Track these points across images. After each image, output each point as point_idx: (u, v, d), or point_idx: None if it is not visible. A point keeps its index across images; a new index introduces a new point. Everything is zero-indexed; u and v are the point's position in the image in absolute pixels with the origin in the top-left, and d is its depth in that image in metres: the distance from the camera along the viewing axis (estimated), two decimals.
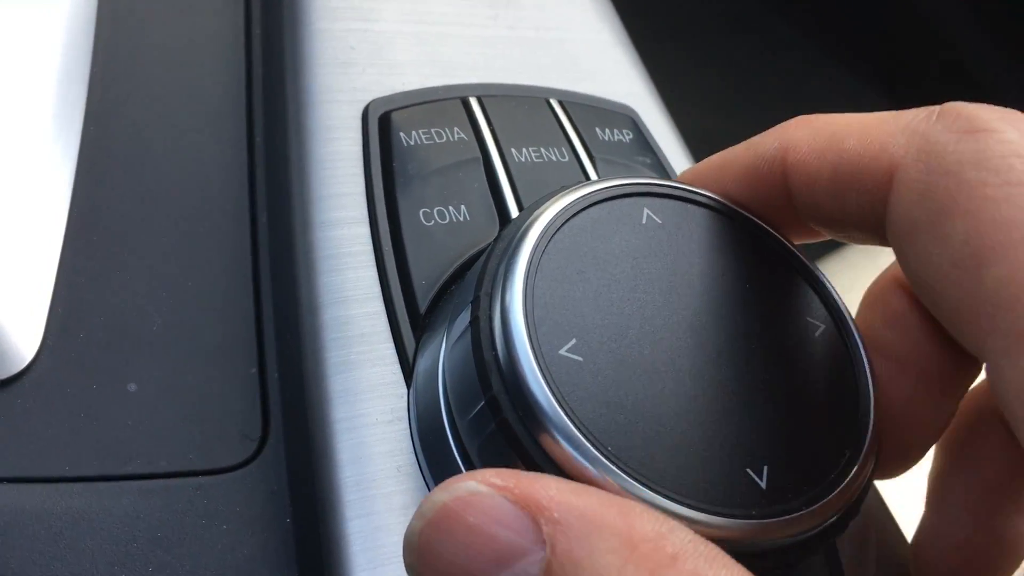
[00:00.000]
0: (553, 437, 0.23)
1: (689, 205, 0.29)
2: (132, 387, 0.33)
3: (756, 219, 0.30)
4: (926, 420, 0.28)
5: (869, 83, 1.12)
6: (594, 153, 0.38)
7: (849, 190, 0.26)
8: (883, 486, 0.34)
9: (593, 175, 0.38)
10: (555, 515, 0.20)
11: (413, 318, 0.32)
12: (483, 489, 0.21)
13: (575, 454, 0.23)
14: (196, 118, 0.41)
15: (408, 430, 0.30)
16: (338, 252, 0.34)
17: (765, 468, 0.24)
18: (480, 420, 0.25)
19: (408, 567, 0.22)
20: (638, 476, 0.23)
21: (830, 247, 0.84)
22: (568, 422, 0.23)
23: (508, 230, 0.28)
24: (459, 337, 0.27)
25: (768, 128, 0.29)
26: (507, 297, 0.25)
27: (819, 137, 0.27)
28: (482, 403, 0.25)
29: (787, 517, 0.24)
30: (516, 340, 0.24)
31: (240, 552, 0.30)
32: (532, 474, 0.21)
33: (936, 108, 0.25)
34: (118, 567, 0.29)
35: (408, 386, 0.31)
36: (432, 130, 0.37)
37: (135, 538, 0.30)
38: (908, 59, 1.11)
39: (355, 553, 0.28)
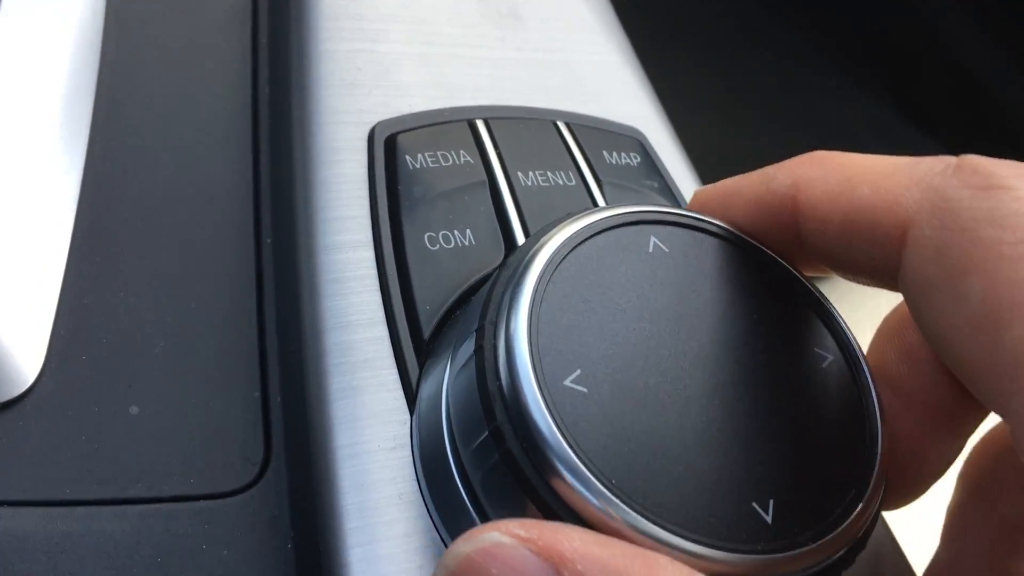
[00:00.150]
0: (557, 470, 0.23)
1: (696, 233, 0.29)
2: (134, 409, 0.32)
3: (764, 248, 0.29)
4: (933, 456, 0.28)
5: (877, 94, 1.11)
6: (601, 177, 0.38)
7: (861, 239, 0.26)
8: (890, 517, 0.34)
9: (600, 199, 0.37)
10: (578, 567, 0.20)
11: (417, 344, 0.32)
12: (506, 540, 0.21)
13: (579, 487, 0.23)
14: (202, 138, 0.41)
15: (411, 457, 0.30)
16: (342, 276, 0.33)
17: (771, 502, 0.24)
18: (483, 450, 0.25)
19: None
20: (642, 510, 0.23)
21: None
22: (572, 454, 0.23)
23: (513, 257, 0.28)
24: (463, 366, 0.27)
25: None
26: (512, 326, 0.25)
27: (832, 179, 0.27)
28: (485, 433, 0.25)
29: (793, 552, 0.23)
30: (520, 370, 0.24)
31: None
32: (555, 524, 0.21)
33: (952, 161, 0.25)
34: None
35: (411, 413, 0.31)
36: (438, 153, 0.37)
37: (135, 563, 0.29)
38: (916, 71, 1.11)
39: None
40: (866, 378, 0.27)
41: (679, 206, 0.39)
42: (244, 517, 0.31)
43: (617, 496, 0.23)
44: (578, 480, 0.23)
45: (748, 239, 0.29)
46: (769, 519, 0.24)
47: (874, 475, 0.26)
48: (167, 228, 0.37)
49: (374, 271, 0.34)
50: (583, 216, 0.28)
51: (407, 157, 0.36)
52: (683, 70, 0.96)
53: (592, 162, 0.39)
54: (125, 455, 0.31)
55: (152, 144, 0.40)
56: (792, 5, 1.14)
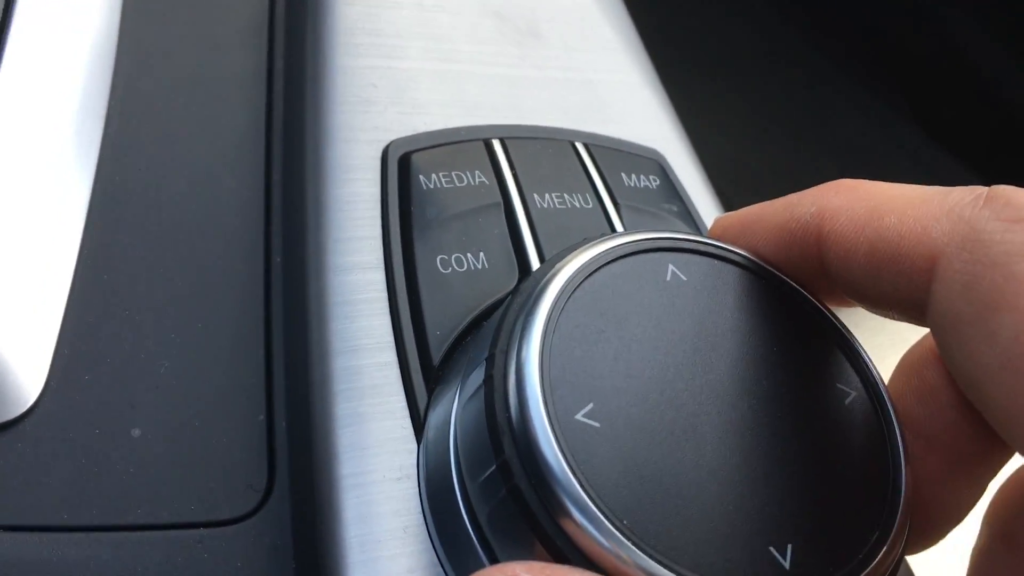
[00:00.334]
0: (566, 508, 0.22)
1: (716, 261, 0.28)
2: (136, 432, 0.32)
3: (786, 278, 0.28)
4: (955, 499, 0.27)
5: (902, 114, 1.10)
6: (619, 200, 0.37)
7: (887, 271, 0.25)
8: (910, 560, 0.33)
9: (617, 223, 0.37)
10: None
11: (426, 370, 0.31)
12: None
13: (589, 527, 0.22)
14: (214, 154, 0.41)
15: (417, 489, 0.29)
16: (352, 298, 0.33)
17: (789, 547, 0.23)
18: (491, 485, 0.24)
19: None
20: (654, 553, 0.22)
21: None
22: (582, 493, 0.22)
23: (527, 284, 0.27)
24: (472, 395, 0.26)
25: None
26: (523, 356, 0.24)
27: (858, 208, 0.26)
28: (493, 467, 0.24)
29: None
30: (531, 403, 0.23)
31: None
32: (563, 568, 0.21)
33: (983, 191, 0.24)
34: None
35: (418, 442, 0.30)
36: (453, 173, 0.36)
37: None
38: (943, 90, 1.10)
39: None
40: (890, 415, 0.26)
41: (699, 231, 0.38)
42: (245, 546, 0.30)
43: (628, 538, 0.22)
44: (588, 520, 0.22)
45: (770, 268, 0.28)
46: (787, 564, 0.23)
47: (898, 517, 0.25)
48: (176, 245, 0.37)
49: (384, 294, 0.33)
50: (599, 242, 0.27)
51: (421, 177, 0.36)
52: (705, 89, 0.96)
53: (610, 184, 0.38)
54: (125, 479, 0.31)
55: (163, 159, 0.39)
56: (816, 24, 1.13)
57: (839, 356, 0.27)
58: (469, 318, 0.32)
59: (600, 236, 0.28)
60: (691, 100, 0.48)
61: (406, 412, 0.31)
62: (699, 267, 0.28)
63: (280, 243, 0.38)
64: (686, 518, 0.23)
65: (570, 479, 0.22)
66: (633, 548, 0.22)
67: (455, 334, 0.31)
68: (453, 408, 0.28)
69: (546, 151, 0.39)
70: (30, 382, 0.32)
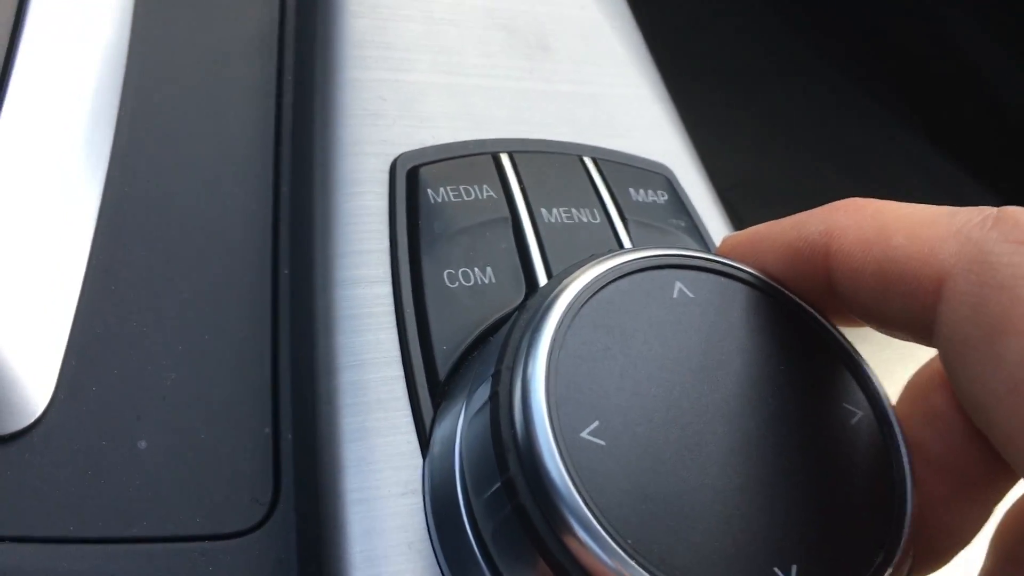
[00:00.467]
0: (570, 526, 0.22)
1: (724, 279, 0.28)
2: (142, 444, 0.32)
3: (794, 297, 0.28)
4: (960, 524, 0.26)
5: (911, 127, 1.10)
6: (627, 215, 0.37)
7: (894, 292, 0.25)
8: None
9: (625, 238, 0.37)
10: None
11: (432, 385, 0.31)
12: None
13: (593, 546, 0.22)
14: (223, 165, 0.41)
15: (422, 504, 0.29)
16: (358, 312, 0.33)
17: (794, 567, 0.23)
18: (495, 502, 0.24)
19: None
20: (658, 572, 0.22)
21: None
22: (587, 511, 0.22)
23: (533, 300, 0.27)
24: (478, 412, 0.26)
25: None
26: (529, 373, 0.24)
27: (866, 228, 0.25)
28: (498, 484, 0.24)
29: None
30: (536, 420, 0.23)
31: None
32: None
33: (992, 212, 0.24)
34: None
35: (424, 457, 0.30)
36: (460, 187, 0.36)
37: None
38: (951, 102, 1.10)
39: None
40: (896, 437, 0.26)
41: (706, 247, 0.38)
42: (249, 560, 0.30)
43: (633, 557, 0.22)
44: (592, 538, 0.22)
45: (778, 287, 0.28)
46: None
47: (903, 539, 0.25)
48: (183, 257, 0.37)
49: (391, 308, 0.33)
50: (606, 259, 0.27)
51: (429, 190, 0.36)
52: (714, 103, 0.96)
53: (618, 199, 0.38)
54: (130, 492, 0.31)
55: (172, 169, 0.39)
56: (825, 36, 1.13)
57: (846, 376, 0.27)
58: (476, 333, 0.32)
59: (607, 252, 0.28)
60: (699, 114, 0.48)
61: (412, 427, 0.31)
62: (706, 284, 0.28)
63: (287, 255, 0.38)
64: (691, 537, 0.23)
65: (575, 497, 0.22)
66: (637, 567, 0.22)
67: (461, 349, 0.31)
68: (459, 424, 0.28)
69: (554, 165, 0.39)
70: (38, 393, 0.32)
